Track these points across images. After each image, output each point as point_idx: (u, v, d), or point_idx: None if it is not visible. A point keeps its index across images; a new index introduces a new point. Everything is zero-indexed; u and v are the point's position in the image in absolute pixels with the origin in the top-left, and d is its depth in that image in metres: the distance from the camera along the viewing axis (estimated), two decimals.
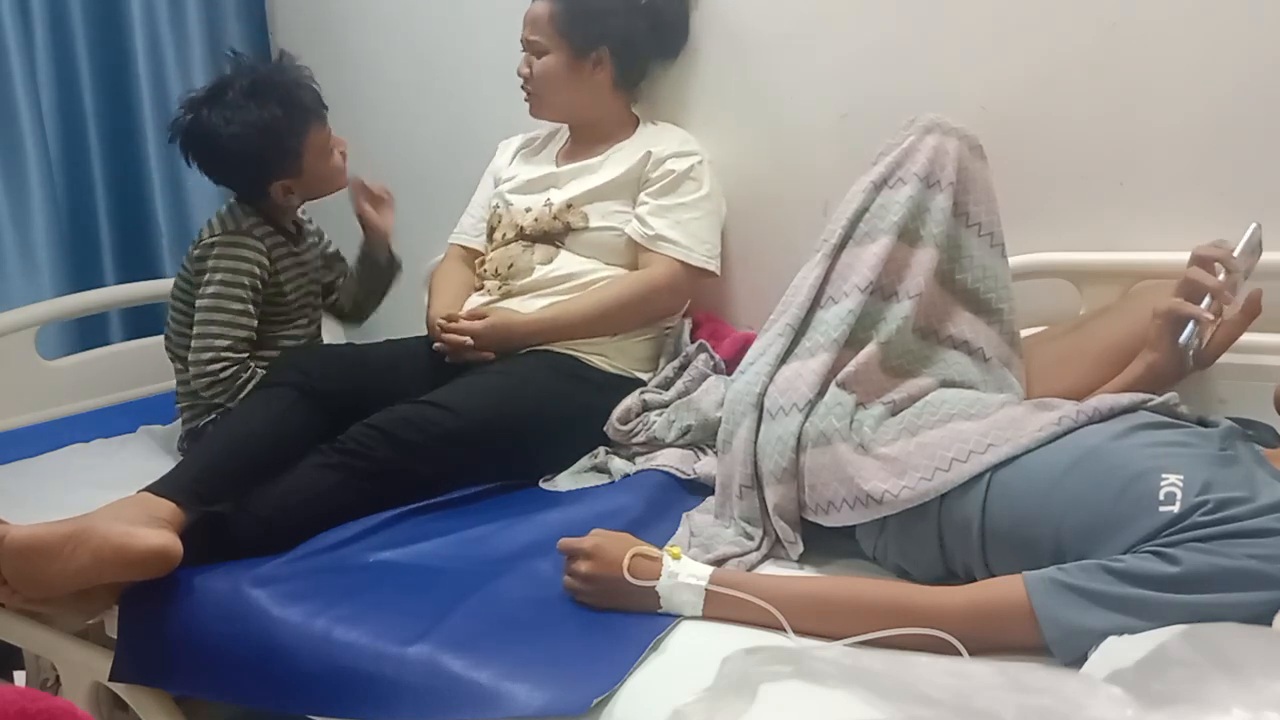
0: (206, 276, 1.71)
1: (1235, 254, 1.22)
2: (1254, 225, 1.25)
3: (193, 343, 1.70)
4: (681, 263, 1.78)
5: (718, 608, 1.14)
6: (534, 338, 1.74)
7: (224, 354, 1.69)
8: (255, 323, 1.73)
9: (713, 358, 1.77)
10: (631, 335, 1.81)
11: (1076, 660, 0.97)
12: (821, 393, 1.33)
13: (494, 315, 1.74)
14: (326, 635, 1.17)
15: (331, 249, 1.99)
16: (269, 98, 1.69)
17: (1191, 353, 1.22)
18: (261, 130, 1.68)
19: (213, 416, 1.76)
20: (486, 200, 2.00)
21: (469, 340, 1.71)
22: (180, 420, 1.84)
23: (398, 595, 1.25)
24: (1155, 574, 0.97)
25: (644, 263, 1.80)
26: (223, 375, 1.68)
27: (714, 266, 1.82)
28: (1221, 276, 1.22)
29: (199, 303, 1.71)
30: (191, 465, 1.44)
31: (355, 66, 2.43)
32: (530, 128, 2.00)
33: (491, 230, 1.93)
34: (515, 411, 1.61)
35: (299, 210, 1.90)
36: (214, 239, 1.72)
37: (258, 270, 1.72)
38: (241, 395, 1.67)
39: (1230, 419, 1.17)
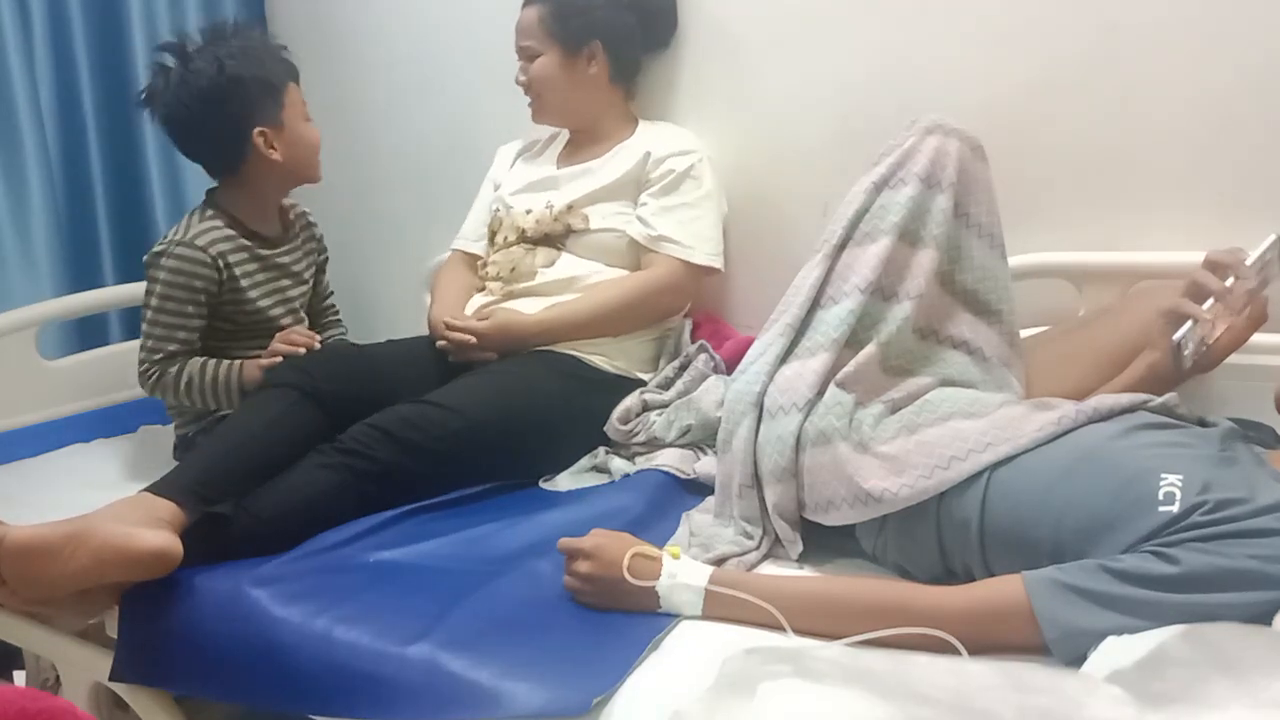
0: (147, 287, 1.72)
1: (1247, 262, 1.21)
2: (1273, 236, 1.23)
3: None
4: (684, 262, 1.78)
5: (717, 607, 1.14)
6: (539, 338, 1.74)
7: (145, 361, 1.71)
8: (196, 325, 1.72)
9: (713, 358, 1.78)
10: (632, 335, 1.81)
11: (1076, 660, 0.97)
12: (821, 392, 1.33)
13: (498, 315, 1.74)
14: (327, 635, 1.17)
15: (323, 257, 1.97)
16: (248, 43, 1.72)
17: (1187, 353, 1.22)
18: (250, 61, 1.69)
19: (202, 425, 1.76)
20: (487, 206, 2.00)
21: (472, 339, 1.71)
22: (174, 430, 1.84)
23: (398, 595, 1.25)
24: (1155, 574, 0.97)
25: (647, 263, 1.80)
26: (149, 378, 1.71)
27: (717, 264, 1.82)
28: (1229, 282, 1.21)
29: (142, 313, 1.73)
30: (192, 465, 1.44)
31: (355, 67, 2.43)
32: (531, 126, 2.00)
33: (493, 234, 1.94)
34: (516, 411, 1.61)
35: (292, 207, 1.88)
36: (160, 248, 1.72)
37: (198, 284, 1.70)
38: (181, 384, 1.69)
39: (1230, 420, 1.17)
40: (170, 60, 1.70)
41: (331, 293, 2.03)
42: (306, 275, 1.90)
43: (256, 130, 1.72)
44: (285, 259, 1.84)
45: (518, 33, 1.86)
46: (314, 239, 1.94)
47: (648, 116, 1.96)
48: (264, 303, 1.78)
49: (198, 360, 1.71)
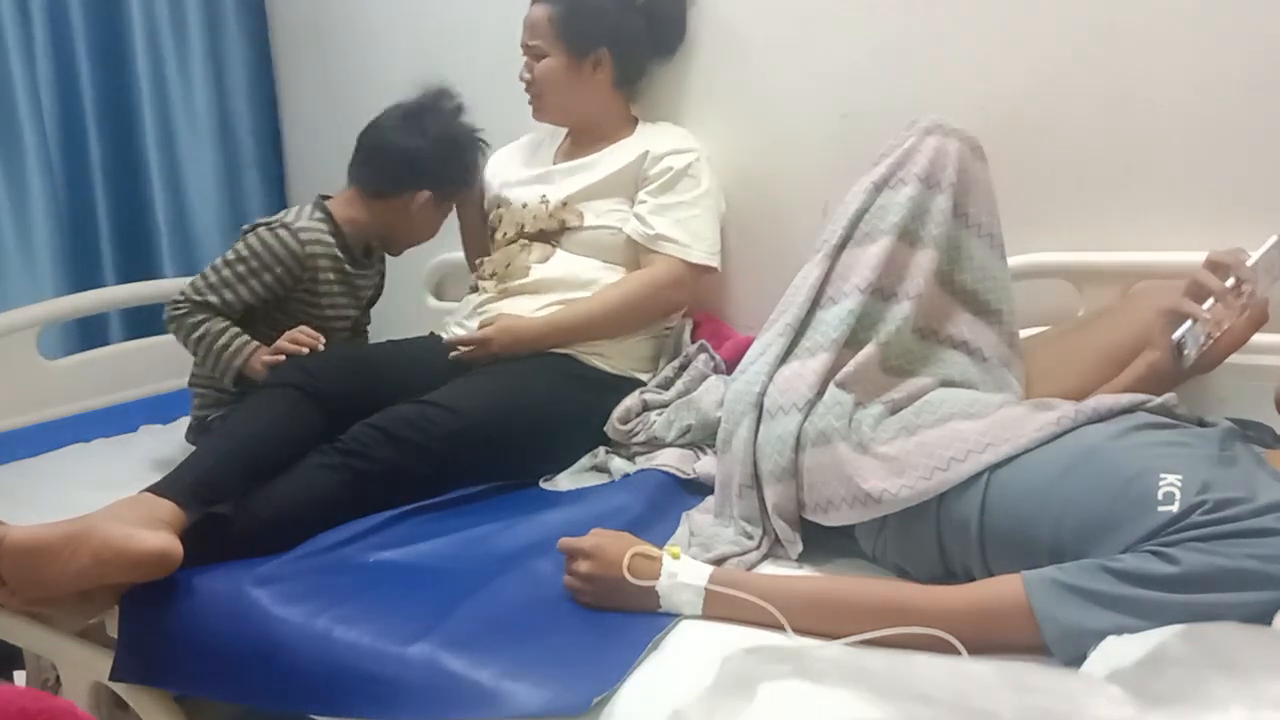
0: (234, 243, 1.77)
1: (1249, 263, 1.21)
2: (1275, 237, 1.23)
3: None
4: (683, 261, 1.78)
5: (717, 607, 1.14)
6: (545, 341, 1.73)
7: (182, 294, 1.74)
8: (247, 298, 1.74)
9: (713, 358, 1.78)
10: (631, 335, 1.81)
11: (1076, 660, 0.97)
12: (821, 392, 1.33)
13: (503, 320, 1.73)
14: (327, 635, 1.17)
15: (379, 292, 2.00)
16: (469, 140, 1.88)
17: (1187, 352, 1.22)
18: (471, 143, 1.87)
19: (221, 411, 1.76)
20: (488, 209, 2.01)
21: (477, 347, 1.71)
22: (191, 410, 1.84)
23: (398, 595, 1.25)
24: (1154, 574, 0.97)
25: (646, 262, 1.80)
26: (176, 311, 1.73)
27: (715, 262, 1.82)
28: (1230, 283, 1.21)
29: None
30: (193, 466, 1.44)
31: (355, 67, 2.43)
32: (531, 126, 2.00)
33: (493, 230, 1.94)
34: (516, 412, 1.61)
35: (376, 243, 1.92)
36: (266, 221, 1.77)
37: (278, 269, 1.73)
38: (194, 335, 1.71)
39: (1229, 419, 1.17)
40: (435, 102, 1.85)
41: (369, 320, 2.04)
42: (364, 301, 1.94)
43: (426, 194, 1.81)
44: (359, 281, 1.88)
45: (525, 29, 1.86)
46: (380, 274, 1.98)
47: (654, 118, 1.96)
48: (330, 312, 1.82)
49: (221, 322, 1.72)
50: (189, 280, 1.76)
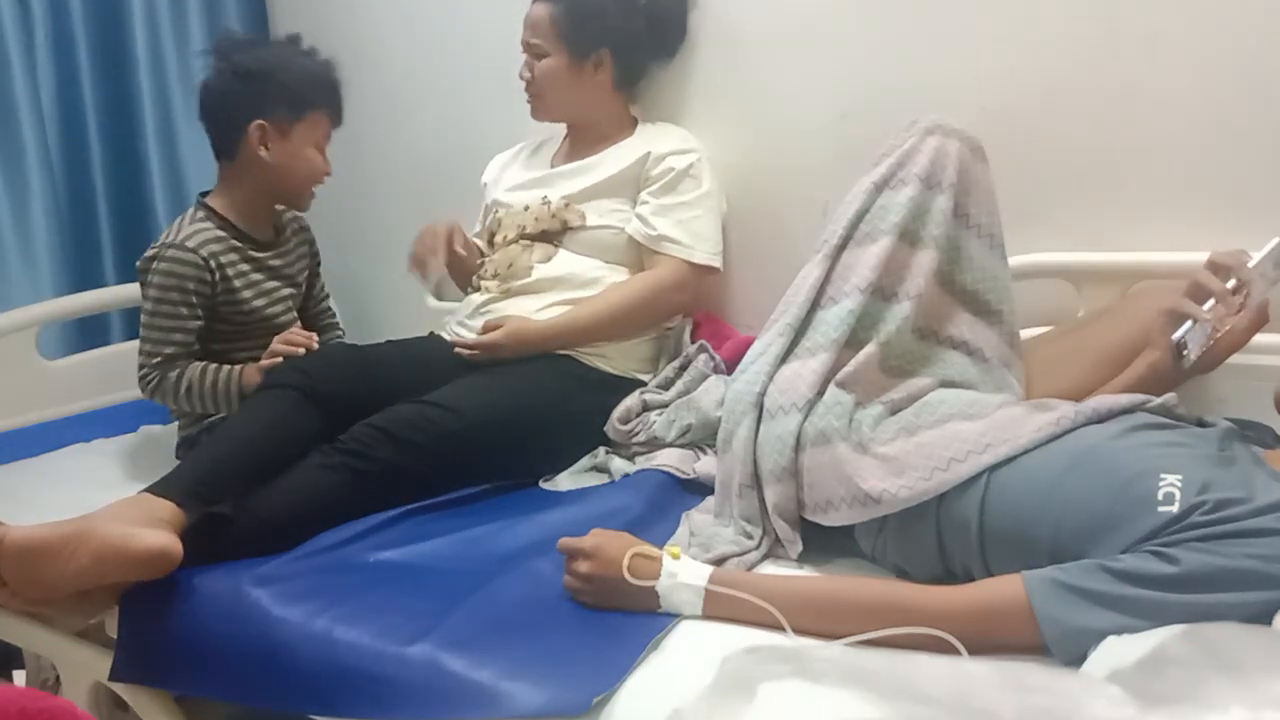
0: (142, 291, 1.74)
1: (1250, 264, 1.21)
2: (1277, 239, 1.23)
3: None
4: (686, 261, 1.78)
5: (717, 607, 1.14)
6: (552, 343, 1.73)
7: (144, 365, 1.72)
8: (193, 327, 1.72)
9: (713, 358, 1.78)
10: (634, 336, 1.81)
11: (1076, 660, 0.98)
12: (821, 392, 1.33)
13: (510, 323, 1.73)
14: (327, 635, 1.17)
15: (316, 261, 1.97)
16: (291, 57, 1.79)
17: (1187, 352, 1.22)
18: (276, 65, 1.75)
19: (205, 425, 1.76)
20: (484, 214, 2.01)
21: (483, 351, 1.71)
22: (177, 430, 1.84)
23: (398, 595, 1.25)
24: (1154, 574, 0.97)
25: (649, 264, 1.80)
26: (149, 383, 1.72)
27: (716, 263, 1.83)
28: (1231, 284, 1.21)
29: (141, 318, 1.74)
30: (192, 466, 1.44)
31: (355, 68, 2.41)
32: (532, 128, 2.00)
33: (491, 235, 1.94)
34: (516, 412, 1.61)
35: (285, 212, 1.88)
36: (152, 252, 1.73)
37: (190, 286, 1.71)
38: (181, 390, 1.70)
39: (1229, 420, 1.17)
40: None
41: (327, 295, 2.03)
42: (299, 279, 1.91)
43: (255, 123, 1.72)
44: (277, 262, 1.84)
45: (526, 27, 1.85)
46: (307, 243, 1.95)
47: (654, 119, 1.96)
48: (259, 303, 1.79)
49: (198, 365, 1.72)
50: (139, 351, 1.74)
